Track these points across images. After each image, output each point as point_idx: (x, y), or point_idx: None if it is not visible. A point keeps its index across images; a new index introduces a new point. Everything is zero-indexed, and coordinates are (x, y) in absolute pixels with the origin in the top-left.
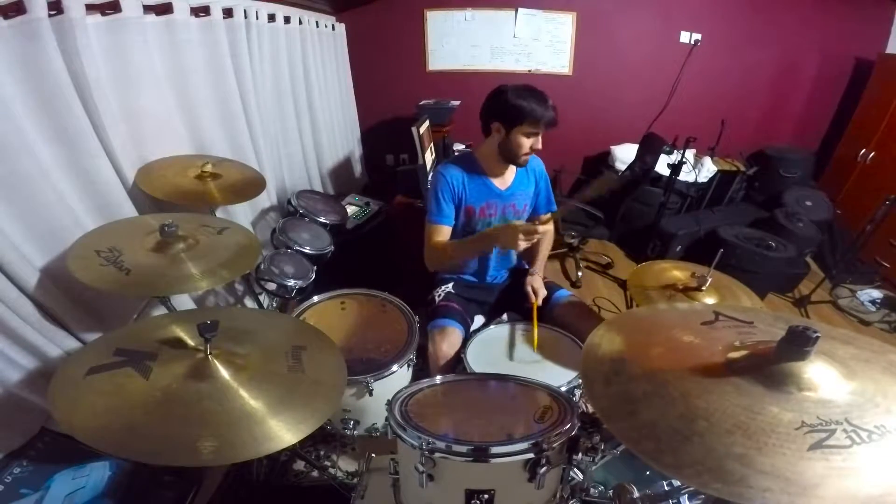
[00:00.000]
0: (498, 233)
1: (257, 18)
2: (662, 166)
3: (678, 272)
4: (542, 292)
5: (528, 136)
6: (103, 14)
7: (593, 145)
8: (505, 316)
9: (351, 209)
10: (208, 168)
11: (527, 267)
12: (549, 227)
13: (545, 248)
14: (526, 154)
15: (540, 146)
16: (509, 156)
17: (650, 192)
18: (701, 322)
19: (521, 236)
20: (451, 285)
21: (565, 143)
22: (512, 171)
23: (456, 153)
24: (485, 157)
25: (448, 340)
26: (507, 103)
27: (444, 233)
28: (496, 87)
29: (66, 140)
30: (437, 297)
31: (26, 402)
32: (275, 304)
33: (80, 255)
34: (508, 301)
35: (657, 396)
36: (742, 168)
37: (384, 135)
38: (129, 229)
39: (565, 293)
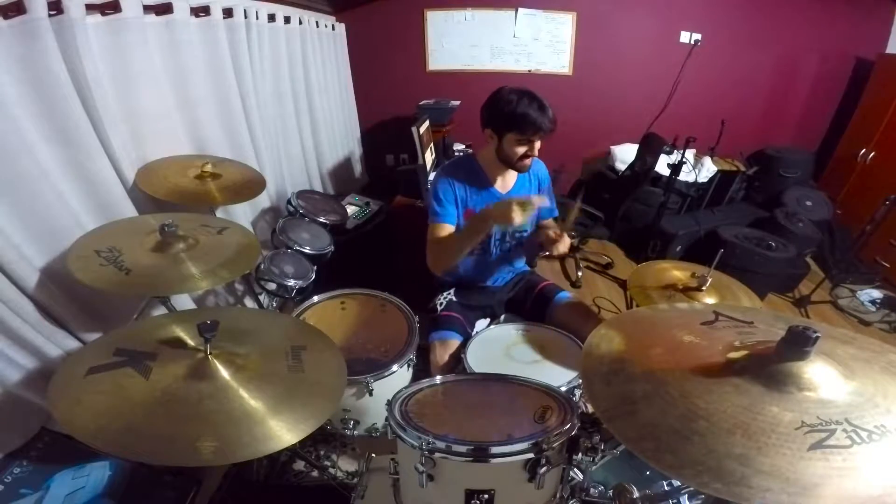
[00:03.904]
0: (492, 209)
1: (257, 18)
2: (662, 166)
3: (678, 272)
4: (565, 240)
5: (519, 143)
6: (103, 14)
7: (593, 145)
8: (504, 317)
9: (351, 209)
10: (208, 168)
11: (528, 269)
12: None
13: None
14: (522, 160)
15: (535, 152)
16: (506, 161)
17: (650, 192)
18: (701, 322)
19: (515, 207)
20: (452, 292)
21: (565, 143)
22: (513, 174)
23: (456, 153)
24: (485, 160)
25: (450, 352)
26: (498, 109)
27: (447, 231)
28: (494, 91)
29: (66, 140)
30: (438, 306)
31: (26, 402)
32: (275, 304)
33: (80, 254)
34: (510, 304)
35: (657, 396)
36: (742, 168)
37: (384, 135)
38: (129, 229)
39: (566, 295)
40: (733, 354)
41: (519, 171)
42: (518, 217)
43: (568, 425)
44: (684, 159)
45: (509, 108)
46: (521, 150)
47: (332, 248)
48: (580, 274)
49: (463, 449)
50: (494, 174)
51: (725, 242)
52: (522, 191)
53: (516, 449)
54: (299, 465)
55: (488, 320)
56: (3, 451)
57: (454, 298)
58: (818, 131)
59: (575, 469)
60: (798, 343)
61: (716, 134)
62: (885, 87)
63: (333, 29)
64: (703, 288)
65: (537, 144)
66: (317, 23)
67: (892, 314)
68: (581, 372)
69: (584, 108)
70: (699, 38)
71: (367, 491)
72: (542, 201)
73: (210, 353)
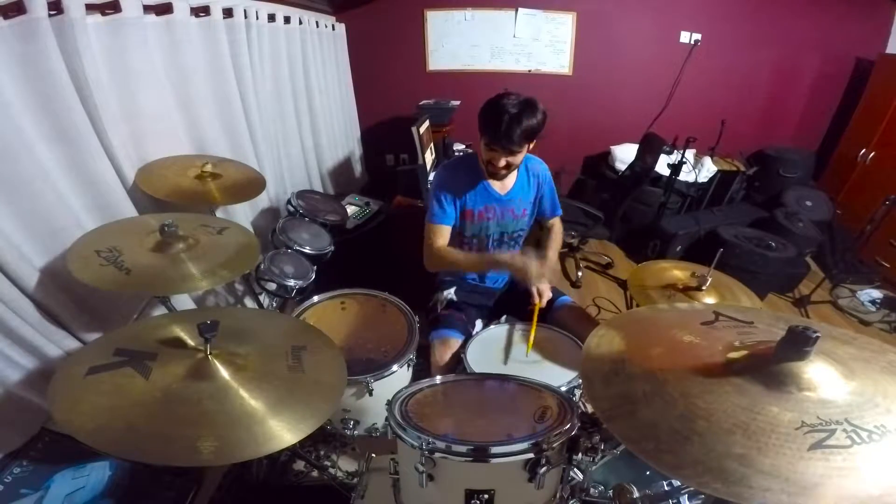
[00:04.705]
0: (518, 266)
1: (257, 18)
2: (662, 166)
3: (678, 272)
4: (548, 294)
5: (486, 148)
6: (103, 14)
7: (593, 145)
8: (504, 317)
9: (351, 209)
10: (208, 168)
11: None
12: (558, 226)
13: (555, 249)
14: (491, 167)
15: (501, 164)
16: (483, 162)
17: (650, 192)
18: (701, 322)
19: (533, 280)
20: (452, 290)
21: (565, 143)
22: (512, 175)
23: (456, 153)
24: None
25: (450, 351)
26: (482, 108)
27: (444, 233)
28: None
29: (66, 140)
30: (438, 305)
31: (26, 402)
32: (275, 304)
33: (80, 254)
34: (509, 304)
35: (657, 396)
36: (742, 168)
37: (384, 135)
38: (129, 229)
39: (567, 299)
40: (733, 354)
41: (492, 177)
42: (534, 287)
43: (568, 425)
44: (684, 159)
45: (487, 110)
46: (487, 156)
47: (332, 248)
48: (580, 274)
49: (463, 449)
50: None
51: (725, 242)
52: (521, 192)
53: (516, 449)
54: (299, 465)
55: (487, 320)
56: (3, 451)
57: (454, 297)
58: (818, 131)
59: (575, 469)
60: (798, 343)
61: (716, 134)
62: (885, 87)
63: (333, 29)
64: (703, 288)
65: (503, 160)
66: (317, 23)
67: (892, 314)
68: (581, 372)
69: (584, 108)
70: (699, 38)
71: (367, 491)
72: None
73: (210, 353)
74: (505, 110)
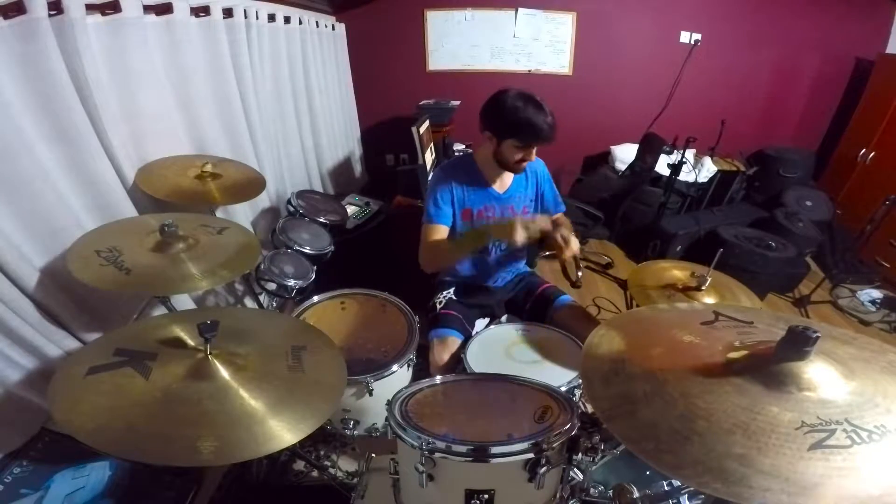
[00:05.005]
0: (493, 227)
1: (257, 18)
2: (662, 166)
3: (678, 272)
4: (575, 242)
5: (518, 149)
6: (103, 14)
7: (593, 145)
8: (505, 317)
9: (351, 209)
10: (208, 168)
11: (529, 269)
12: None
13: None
14: (518, 164)
15: (532, 158)
16: (502, 164)
17: (650, 192)
18: (701, 322)
19: (519, 228)
20: (452, 291)
21: (565, 143)
22: (509, 174)
23: (456, 153)
24: (482, 160)
25: (449, 350)
26: (501, 114)
27: (441, 232)
28: (495, 93)
29: (66, 140)
30: (437, 305)
31: (26, 402)
32: (275, 304)
33: (80, 254)
34: (509, 304)
35: (657, 396)
36: (742, 168)
37: (384, 135)
38: (129, 229)
39: (567, 298)
40: (733, 354)
41: (514, 172)
42: (521, 236)
43: (568, 425)
44: (684, 159)
45: (513, 114)
46: (519, 155)
47: (332, 248)
48: (580, 274)
49: (463, 449)
50: (492, 174)
51: (725, 242)
52: (520, 190)
53: (516, 449)
54: (299, 465)
55: (488, 320)
56: (3, 451)
57: (454, 297)
58: (818, 131)
59: (575, 469)
60: (798, 343)
61: (716, 134)
62: (885, 87)
63: (333, 29)
64: (703, 288)
65: (533, 151)
66: (317, 23)
67: (892, 314)
68: (581, 372)
69: (584, 108)
70: (699, 38)
71: (367, 491)
72: (546, 223)
73: (210, 353)
74: (529, 109)
